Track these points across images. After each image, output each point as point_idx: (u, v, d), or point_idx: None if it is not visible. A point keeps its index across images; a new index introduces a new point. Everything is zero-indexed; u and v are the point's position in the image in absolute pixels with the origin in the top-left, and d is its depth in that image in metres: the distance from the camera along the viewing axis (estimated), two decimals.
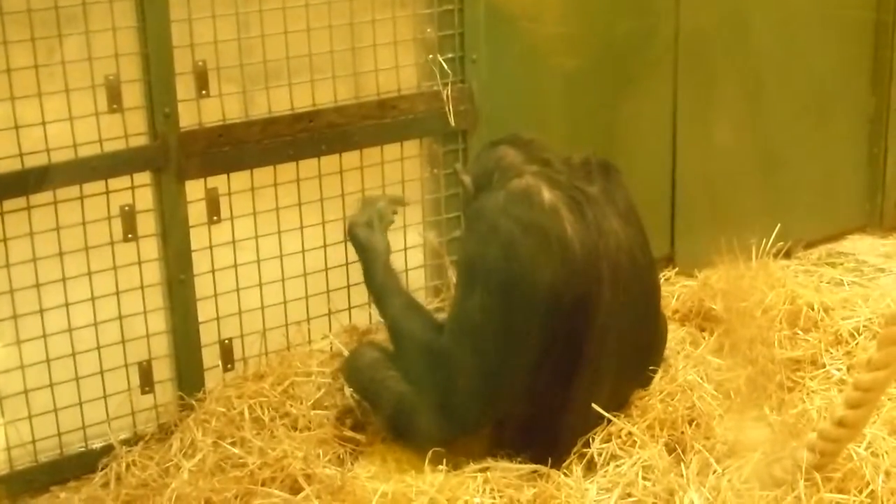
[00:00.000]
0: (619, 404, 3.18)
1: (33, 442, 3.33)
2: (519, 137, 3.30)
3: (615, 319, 3.08)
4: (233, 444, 3.21)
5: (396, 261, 3.76)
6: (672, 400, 3.22)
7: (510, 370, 3.06)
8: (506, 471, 3.06)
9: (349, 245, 3.67)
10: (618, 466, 3.03)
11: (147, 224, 3.41)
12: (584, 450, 3.11)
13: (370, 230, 3.38)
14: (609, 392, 3.13)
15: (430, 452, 3.06)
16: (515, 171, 3.16)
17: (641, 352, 3.26)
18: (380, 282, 3.33)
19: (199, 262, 3.49)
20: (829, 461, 2.88)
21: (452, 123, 3.77)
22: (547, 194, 3.07)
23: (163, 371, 3.51)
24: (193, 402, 3.44)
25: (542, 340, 3.04)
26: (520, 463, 3.10)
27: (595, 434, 3.12)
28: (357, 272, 3.73)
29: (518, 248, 3.01)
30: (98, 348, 3.38)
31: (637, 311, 3.16)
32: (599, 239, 3.07)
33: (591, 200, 3.11)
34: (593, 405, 3.08)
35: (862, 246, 4.71)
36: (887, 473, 2.90)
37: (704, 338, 3.69)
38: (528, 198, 3.07)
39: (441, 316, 3.47)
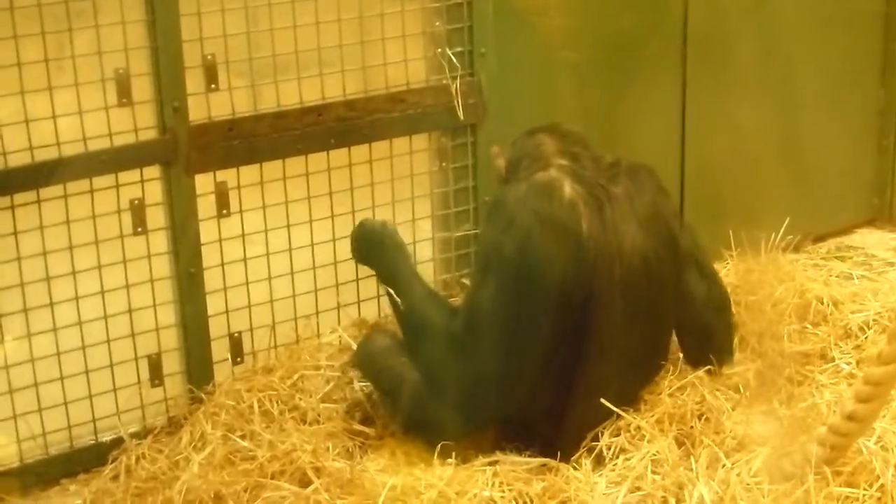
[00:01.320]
0: (629, 402, 3.17)
1: (44, 435, 3.34)
2: (558, 127, 3.30)
3: (626, 319, 3.08)
4: (242, 437, 3.21)
5: None
6: (681, 394, 3.21)
7: (517, 361, 3.07)
8: (515, 464, 3.06)
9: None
10: (627, 460, 3.02)
11: (157, 218, 3.41)
12: (593, 444, 3.10)
13: (384, 226, 3.43)
14: (618, 389, 3.12)
15: (439, 446, 3.06)
16: (544, 163, 3.17)
17: (654, 353, 3.25)
18: (401, 270, 3.36)
19: (209, 256, 3.50)
20: (839, 455, 2.87)
21: (461, 117, 3.77)
22: (568, 189, 3.08)
23: (172, 364, 3.51)
24: (203, 396, 3.45)
25: (549, 334, 3.05)
26: (529, 457, 3.10)
27: (604, 428, 3.12)
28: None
29: (533, 240, 3.02)
30: (108, 341, 3.39)
31: (651, 313, 3.16)
32: (614, 238, 3.07)
33: (613, 200, 3.11)
34: (602, 400, 3.08)
35: (871, 240, 4.70)
36: None
37: None
38: (550, 191, 3.08)
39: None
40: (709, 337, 3.36)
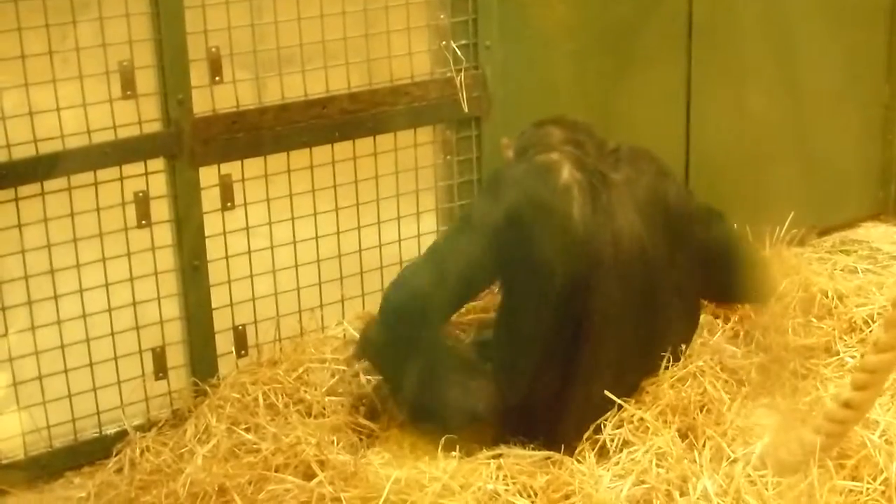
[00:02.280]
0: (630, 390, 3.17)
1: (48, 427, 3.35)
2: (565, 118, 3.33)
3: (623, 306, 3.08)
4: (247, 430, 3.22)
5: (410, 248, 3.79)
6: (682, 385, 3.21)
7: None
8: (519, 458, 3.07)
9: (362, 230, 3.69)
10: (631, 453, 3.02)
11: (161, 210, 3.41)
12: (597, 436, 3.10)
13: None
14: (616, 375, 3.12)
15: (443, 439, 3.06)
16: (547, 148, 3.18)
17: (652, 341, 3.25)
18: None
19: (213, 249, 3.50)
20: (834, 443, 2.87)
21: (466, 110, 3.76)
22: (566, 174, 3.09)
23: (176, 357, 3.51)
24: (207, 388, 3.45)
25: (536, 316, 3.05)
26: (533, 450, 3.10)
27: (606, 419, 3.11)
28: (370, 259, 3.75)
29: (521, 217, 3.04)
30: (112, 334, 3.39)
31: (649, 300, 3.16)
32: (609, 225, 3.07)
33: (611, 186, 3.12)
34: (606, 393, 3.08)
35: (876, 233, 4.69)
36: None
37: (719, 325, 3.68)
38: (546, 173, 3.10)
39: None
40: (732, 271, 3.43)
